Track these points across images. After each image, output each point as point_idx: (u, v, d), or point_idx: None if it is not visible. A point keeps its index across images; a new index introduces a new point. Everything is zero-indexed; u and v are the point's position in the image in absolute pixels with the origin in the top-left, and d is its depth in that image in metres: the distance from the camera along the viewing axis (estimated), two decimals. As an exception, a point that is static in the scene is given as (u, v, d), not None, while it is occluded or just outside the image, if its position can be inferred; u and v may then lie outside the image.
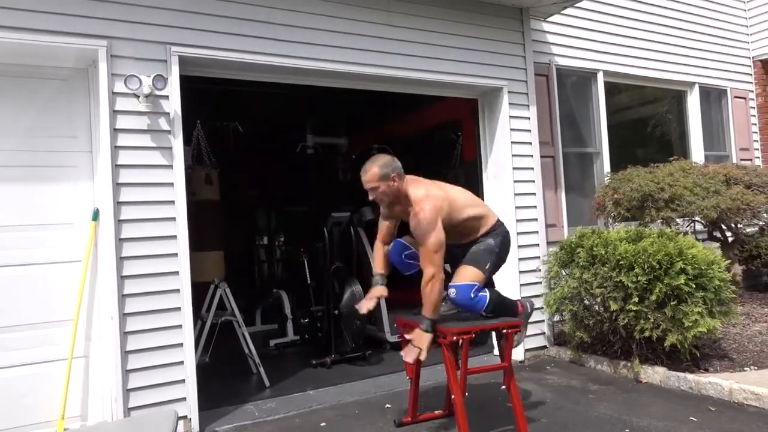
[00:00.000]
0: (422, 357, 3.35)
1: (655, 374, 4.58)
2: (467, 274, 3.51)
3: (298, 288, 7.09)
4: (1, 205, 3.71)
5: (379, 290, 3.73)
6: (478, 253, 3.59)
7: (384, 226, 3.84)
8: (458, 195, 3.64)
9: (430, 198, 3.40)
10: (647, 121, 7.68)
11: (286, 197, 8.75)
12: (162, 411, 3.59)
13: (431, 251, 3.30)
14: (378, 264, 3.83)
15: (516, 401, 3.48)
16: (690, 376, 4.37)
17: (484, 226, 3.67)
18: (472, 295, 3.44)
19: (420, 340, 3.35)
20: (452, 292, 3.47)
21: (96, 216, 3.89)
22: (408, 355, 3.38)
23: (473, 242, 3.65)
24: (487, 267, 3.56)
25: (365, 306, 3.68)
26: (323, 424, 4.00)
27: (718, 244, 6.19)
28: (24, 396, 3.68)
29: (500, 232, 3.72)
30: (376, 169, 3.46)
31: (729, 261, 4.78)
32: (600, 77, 6.61)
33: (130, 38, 3.93)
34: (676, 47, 7.35)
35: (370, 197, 3.57)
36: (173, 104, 4.03)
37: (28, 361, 3.72)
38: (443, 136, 7.47)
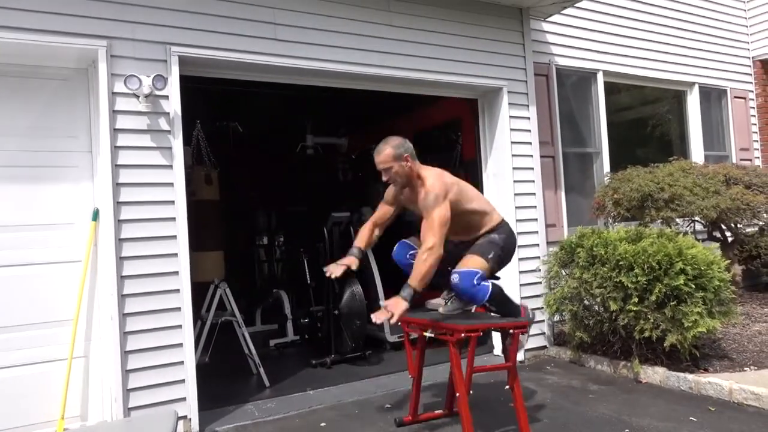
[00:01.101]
0: (392, 321, 3.26)
1: (654, 374, 4.58)
2: (470, 262, 3.47)
3: (298, 288, 7.08)
4: (3, 205, 3.71)
5: (350, 259, 3.75)
6: (482, 245, 3.58)
7: (383, 210, 3.86)
8: (467, 187, 3.69)
9: (442, 177, 3.51)
10: (647, 121, 7.68)
11: (286, 197, 8.75)
12: (162, 411, 3.60)
13: (435, 223, 3.34)
14: (360, 240, 3.84)
15: (519, 401, 3.48)
16: (690, 376, 4.37)
17: (488, 223, 3.68)
18: (475, 282, 3.39)
19: (396, 305, 3.28)
20: (455, 277, 3.42)
21: (96, 216, 3.89)
22: (377, 317, 3.29)
23: (476, 239, 3.64)
24: (490, 257, 3.51)
25: (332, 270, 3.66)
26: (323, 424, 4.00)
27: (717, 244, 6.18)
28: (24, 396, 3.68)
29: (505, 230, 3.72)
30: (389, 150, 3.52)
31: (729, 261, 4.78)
32: (600, 77, 6.61)
33: (130, 38, 3.93)
34: (676, 47, 7.35)
35: (384, 178, 3.61)
36: (173, 104, 4.03)
37: (28, 361, 3.72)
38: (443, 135, 7.47)
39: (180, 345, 3.96)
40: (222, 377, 5.24)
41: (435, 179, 3.48)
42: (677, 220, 5.73)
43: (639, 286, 4.41)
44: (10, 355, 3.68)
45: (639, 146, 7.51)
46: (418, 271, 3.33)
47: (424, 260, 3.32)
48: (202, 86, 4.72)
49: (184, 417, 3.90)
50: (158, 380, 3.88)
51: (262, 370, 5.01)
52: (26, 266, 3.75)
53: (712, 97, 7.81)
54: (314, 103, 7.47)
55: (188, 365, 3.97)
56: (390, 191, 3.82)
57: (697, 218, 5.90)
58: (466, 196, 3.60)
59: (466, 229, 3.65)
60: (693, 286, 4.30)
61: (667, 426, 3.70)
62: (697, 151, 7.56)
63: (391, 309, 3.27)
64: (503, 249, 3.64)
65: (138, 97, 3.88)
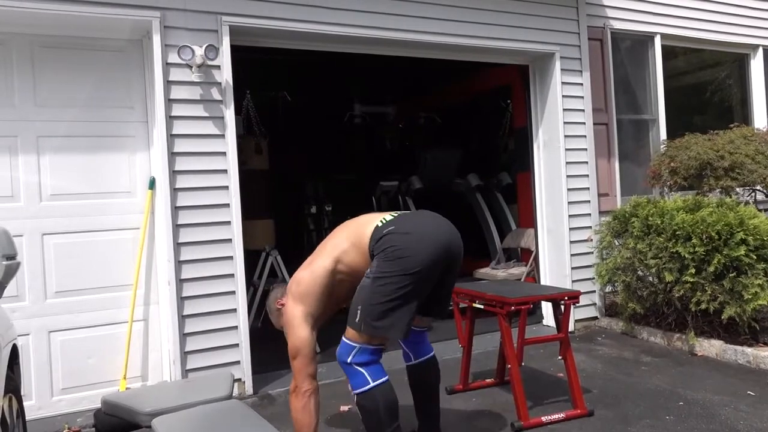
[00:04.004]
0: None
1: (711, 347, 4.47)
2: (347, 331, 2.75)
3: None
4: (64, 174, 3.85)
5: None
6: (353, 303, 2.74)
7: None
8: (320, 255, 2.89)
9: (289, 298, 2.86)
10: (706, 87, 7.35)
11: (334, 166, 8.80)
12: (219, 373, 3.71)
13: (290, 357, 2.76)
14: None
15: (572, 372, 3.46)
16: (748, 350, 4.25)
17: (357, 261, 2.81)
18: (348, 360, 2.69)
19: None
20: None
21: (152, 185, 4.00)
22: None
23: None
24: (357, 320, 2.65)
25: None
26: (373, 389, 4.06)
27: (780, 215, 5.94)
28: (90, 356, 3.86)
29: (384, 247, 2.65)
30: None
31: (793, 232, 4.58)
32: (657, 41, 6.35)
33: (182, 9, 3.96)
34: (739, 8, 6.95)
35: None
36: (224, 74, 4.07)
37: (93, 323, 3.89)
38: (493, 103, 7.34)
39: (234, 310, 4.07)
40: (274, 342, 5.31)
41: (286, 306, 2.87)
42: (737, 189, 5.51)
43: (696, 256, 4.28)
44: (78, 318, 3.85)
45: (697, 113, 7.22)
46: (296, 426, 2.76)
47: (292, 410, 2.77)
48: (252, 56, 4.74)
49: (239, 380, 4.02)
50: (214, 344, 4.00)
51: (312, 336, 5.09)
52: (89, 233, 3.89)
53: (777, 60, 7.41)
54: (362, 72, 7.44)
55: (242, 330, 4.08)
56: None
57: (758, 187, 5.68)
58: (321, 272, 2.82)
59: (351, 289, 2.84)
60: (754, 257, 4.16)
61: (723, 399, 3.62)
62: (760, 118, 7.22)
63: None
64: (377, 290, 2.61)
65: (191, 67, 3.93)
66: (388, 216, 2.83)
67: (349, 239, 2.85)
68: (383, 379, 2.67)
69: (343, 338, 2.74)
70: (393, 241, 2.64)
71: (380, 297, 2.60)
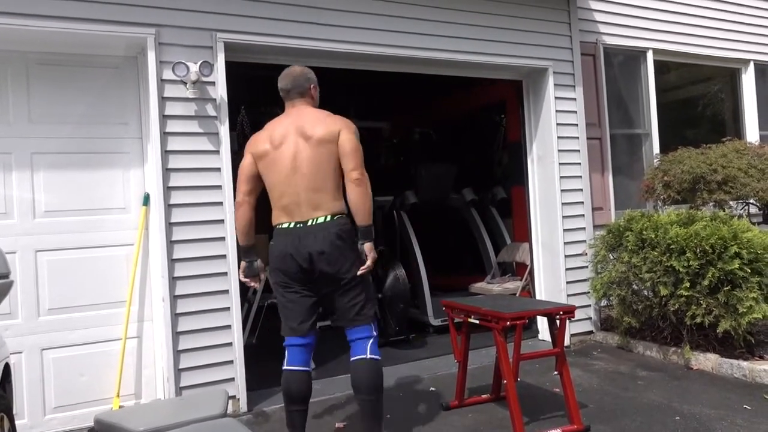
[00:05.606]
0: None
1: (706, 361, 4.47)
2: None
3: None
4: (58, 191, 3.84)
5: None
6: None
7: None
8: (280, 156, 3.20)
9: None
10: (698, 101, 7.42)
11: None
12: (213, 390, 3.67)
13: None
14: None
15: (569, 387, 3.45)
16: (744, 364, 4.25)
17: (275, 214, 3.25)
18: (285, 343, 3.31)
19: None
20: None
21: (147, 201, 3.99)
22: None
23: None
24: None
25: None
26: (368, 406, 4.03)
27: (773, 228, 5.97)
28: (82, 374, 3.83)
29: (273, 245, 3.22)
30: None
31: (786, 245, 4.60)
32: (649, 56, 6.41)
33: (177, 26, 3.98)
34: (731, 23, 7.05)
35: None
36: (219, 90, 4.08)
37: (85, 341, 3.85)
38: (487, 118, 7.38)
39: (228, 327, 4.04)
40: (269, 359, 5.30)
41: None
42: (731, 202, 5.55)
43: (691, 270, 4.29)
44: (71, 335, 3.82)
45: (690, 127, 7.28)
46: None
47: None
48: (247, 72, 4.75)
49: (233, 397, 3.99)
50: (208, 361, 3.97)
51: (307, 352, 5.07)
52: (83, 249, 3.87)
53: (769, 74, 7.49)
54: (356, 87, 7.46)
55: (236, 346, 4.06)
56: None
57: (751, 201, 5.70)
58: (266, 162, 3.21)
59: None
60: (748, 270, 4.17)
61: (719, 414, 3.61)
62: (752, 131, 7.28)
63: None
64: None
65: (185, 83, 3.94)
66: (287, 224, 3.13)
67: (283, 197, 3.14)
68: (289, 367, 3.17)
69: None
70: (270, 252, 3.19)
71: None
